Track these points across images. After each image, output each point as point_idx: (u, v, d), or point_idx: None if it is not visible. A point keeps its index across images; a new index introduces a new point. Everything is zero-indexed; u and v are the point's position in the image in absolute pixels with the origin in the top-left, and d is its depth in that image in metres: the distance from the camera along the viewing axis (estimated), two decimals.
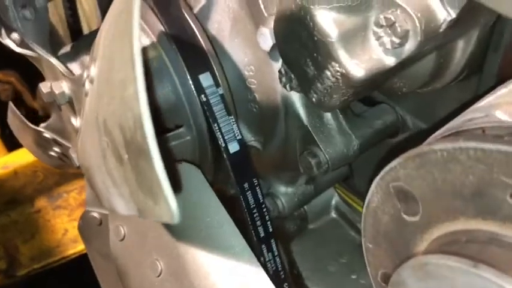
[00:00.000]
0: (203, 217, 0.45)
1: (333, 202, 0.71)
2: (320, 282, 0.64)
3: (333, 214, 0.70)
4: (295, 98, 0.52)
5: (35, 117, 2.11)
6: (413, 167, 0.32)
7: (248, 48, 0.53)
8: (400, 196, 0.34)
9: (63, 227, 1.10)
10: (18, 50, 0.57)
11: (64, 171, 1.14)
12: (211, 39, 0.53)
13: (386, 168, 0.34)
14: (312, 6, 0.36)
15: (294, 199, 0.63)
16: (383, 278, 0.40)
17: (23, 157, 1.09)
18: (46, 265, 1.06)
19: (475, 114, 0.32)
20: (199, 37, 0.51)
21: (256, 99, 0.55)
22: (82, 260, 1.11)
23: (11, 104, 0.73)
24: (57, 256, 1.07)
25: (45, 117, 1.76)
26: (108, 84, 0.27)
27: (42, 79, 1.49)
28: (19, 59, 1.99)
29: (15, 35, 0.58)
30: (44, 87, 0.56)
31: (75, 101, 0.50)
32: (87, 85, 0.37)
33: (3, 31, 0.58)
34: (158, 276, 0.47)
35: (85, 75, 0.43)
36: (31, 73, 2.22)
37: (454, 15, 0.33)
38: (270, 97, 0.53)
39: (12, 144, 1.51)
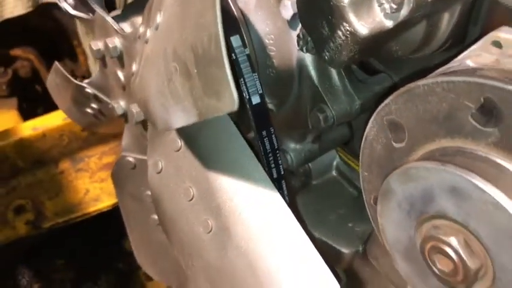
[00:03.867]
0: (229, 151, 0.55)
1: (335, 162, 0.81)
2: (320, 227, 0.74)
3: (334, 173, 0.80)
4: (309, 61, 0.62)
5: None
6: (402, 101, 0.42)
7: (269, 20, 0.62)
8: (391, 127, 0.44)
9: (85, 187, 1.21)
10: (73, 12, 0.67)
11: (88, 136, 1.25)
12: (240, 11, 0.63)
13: (382, 105, 0.44)
14: None
15: (301, 155, 0.73)
16: (374, 200, 0.50)
17: (52, 121, 1.19)
18: (68, 220, 1.16)
19: (453, 64, 0.42)
20: (232, 7, 0.61)
21: (274, 64, 0.64)
22: (101, 217, 1.22)
23: (56, 63, 0.83)
24: (79, 213, 1.17)
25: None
26: (181, 20, 0.36)
27: (59, 58, 1.60)
28: (37, 37, 2.12)
29: (70, 0, 0.68)
30: (93, 45, 0.66)
31: (125, 54, 0.60)
32: (149, 33, 0.47)
33: None
34: (190, 200, 0.57)
35: (141, 30, 0.53)
36: (48, 52, 2.32)
37: None
38: (286, 62, 0.63)
39: (28, 117, 1.61)
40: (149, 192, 0.72)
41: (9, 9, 1.69)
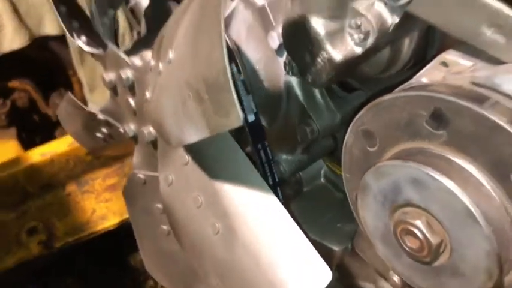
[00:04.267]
0: (231, 162, 0.64)
1: (322, 171, 0.90)
2: (312, 229, 0.83)
3: (322, 180, 0.90)
4: (295, 83, 0.72)
5: (48, 122, 2.27)
6: (372, 113, 0.52)
7: (259, 49, 0.72)
8: (365, 135, 0.54)
9: (92, 207, 1.29)
10: (87, 48, 0.76)
11: (92, 160, 1.33)
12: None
13: (356, 117, 0.54)
14: (308, 16, 0.56)
15: (292, 165, 0.82)
16: (356, 197, 0.59)
17: (59, 147, 1.27)
18: (78, 238, 1.24)
19: (412, 81, 0.52)
20: (227, 39, 0.71)
21: (265, 87, 0.74)
22: (108, 235, 1.29)
23: (68, 94, 0.92)
24: (87, 231, 1.25)
25: (58, 122, 1.95)
26: (193, 57, 0.45)
27: (55, 87, 1.71)
28: (34, 68, 2.22)
29: (83, 38, 0.78)
30: (106, 76, 0.75)
31: (137, 84, 0.69)
32: (161, 66, 0.56)
33: (75, 34, 0.77)
34: (199, 207, 0.66)
35: (152, 63, 0.63)
36: (44, 82, 2.42)
37: (397, 20, 0.53)
38: (275, 84, 0.73)
39: (27, 146, 1.69)
40: (159, 205, 0.82)
41: (7, 43, 1.77)
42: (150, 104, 0.61)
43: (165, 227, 0.83)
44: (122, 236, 1.26)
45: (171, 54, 0.53)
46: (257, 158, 0.70)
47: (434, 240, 0.47)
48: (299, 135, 0.75)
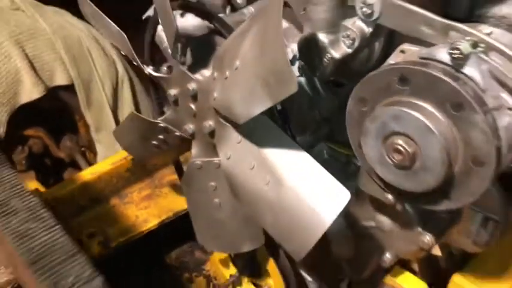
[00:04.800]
0: (271, 136, 0.96)
1: (325, 151, 1.23)
2: None
3: (326, 156, 1.23)
4: (304, 83, 1.06)
5: (60, 163, 2.53)
6: (364, 85, 0.85)
7: None
8: (360, 100, 0.87)
9: (134, 214, 1.57)
10: (156, 74, 1.08)
11: (129, 176, 1.62)
12: None
13: (354, 89, 0.87)
14: (316, 32, 0.90)
15: (304, 144, 1.15)
16: (359, 144, 0.92)
17: (104, 166, 1.56)
18: (128, 238, 1.51)
19: (384, 64, 0.86)
20: None
21: None
22: (151, 234, 1.57)
23: (133, 111, 1.22)
24: (134, 232, 1.52)
25: (70, 162, 2.32)
26: (261, 60, 0.78)
27: (63, 132, 2.06)
28: (45, 117, 2.55)
29: (150, 67, 1.10)
30: (171, 92, 1.07)
31: (199, 92, 1.01)
32: (228, 73, 0.89)
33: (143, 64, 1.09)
34: (252, 169, 0.97)
35: (215, 74, 0.95)
36: (54, 128, 2.74)
37: (371, 30, 0.87)
38: None
39: (45, 185, 1.93)
40: (212, 183, 1.11)
41: (26, 95, 2.03)
42: (219, 101, 0.93)
43: (217, 200, 1.13)
44: (161, 237, 1.54)
45: (237, 63, 0.86)
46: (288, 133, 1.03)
47: (411, 150, 0.80)
48: (308, 119, 1.08)
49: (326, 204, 0.89)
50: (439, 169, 0.78)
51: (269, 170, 0.95)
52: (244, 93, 0.85)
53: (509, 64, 0.74)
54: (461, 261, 1.26)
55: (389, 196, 0.95)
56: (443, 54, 0.76)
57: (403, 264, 1.27)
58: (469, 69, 0.74)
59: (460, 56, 0.73)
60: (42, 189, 1.90)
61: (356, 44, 0.89)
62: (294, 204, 0.92)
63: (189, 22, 1.13)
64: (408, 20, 0.82)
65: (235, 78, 0.87)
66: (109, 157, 1.62)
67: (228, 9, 1.18)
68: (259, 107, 0.83)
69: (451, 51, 0.74)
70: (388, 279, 1.25)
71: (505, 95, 0.76)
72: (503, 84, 0.75)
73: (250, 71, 0.83)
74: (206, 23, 1.10)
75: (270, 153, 0.95)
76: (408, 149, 0.80)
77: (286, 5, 0.98)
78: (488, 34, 0.77)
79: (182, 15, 1.14)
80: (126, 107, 2.19)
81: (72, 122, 2.21)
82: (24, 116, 2.06)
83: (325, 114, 1.08)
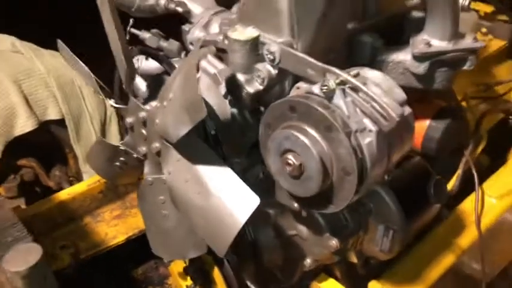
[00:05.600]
0: (202, 154, 1.20)
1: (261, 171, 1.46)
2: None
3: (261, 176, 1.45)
4: (235, 112, 1.30)
5: (50, 191, 2.75)
6: (270, 112, 1.09)
7: (215, 95, 1.31)
8: (266, 125, 1.11)
9: (104, 231, 1.78)
10: (116, 105, 1.33)
11: (102, 197, 1.84)
12: None
13: (262, 117, 1.11)
14: (235, 73, 1.16)
15: (238, 166, 1.38)
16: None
17: (80, 188, 1.79)
18: (97, 252, 1.72)
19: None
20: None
21: (219, 115, 1.32)
22: (118, 249, 1.78)
23: (100, 137, 1.46)
24: (103, 246, 1.74)
25: (58, 190, 2.54)
26: (184, 94, 1.02)
27: (53, 164, 2.34)
28: (36, 148, 2.85)
29: (112, 100, 1.35)
30: (127, 119, 1.31)
31: (148, 119, 1.25)
32: (165, 103, 1.13)
33: (110, 99, 1.34)
34: (187, 182, 1.20)
35: (158, 104, 1.20)
36: (45, 159, 3.03)
37: (277, 71, 1.12)
38: (225, 113, 1.31)
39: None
40: (161, 197, 1.34)
41: (19, 128, 2.27)
42: (159, 125, 1.18)
43: (165, 211, 1.35)
44: (129, 254, 1.75)
45: (171, 95, 1.10)
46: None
47: (298, 163, 1.03)
48: (242, 144, 1.31)
49: (239, 208, 1.11)
50: (318, 177, 1.01)
51: (200, 182, 1.18)
52: (174, 118, 1.09)
53: (366, 97, 0.98)
54: (379, 269, 1.46)
55: (295, 203, 1.17)
56: (318, 89, 1.00)
57: (327, 272, 1.47)
58: (337, 101, 0.99)
59: (327, 90, 0.97)
60: None
61: (266, 82, 1.14)
62: (218, 210, 1.15)
63: (151, 64, 1.40)
64: (298, 64, 1.07)
65: (169, 107, 1.12)
66: (85, 180, 1.85)
67: (183, 54, 1.44)
68: (184, 129, 1.07)
69: (322, 87, 0.98)
70: (314, 285, 1.45)
71: (366, 121, 0.99)
72: (364, 112, 0.99)
73: (177, 102, 1.07)
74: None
75: (201, 169, 1.18)
76: (296, 163, 1.03)
77: (224, 50, 1.23)
78: (355, 75, 1.02)
79: (147, 58, 1.40)
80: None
81: (62, 154, 2.43)
82: (19, 147, 2.27)
83: (254, 139, 1.31)
